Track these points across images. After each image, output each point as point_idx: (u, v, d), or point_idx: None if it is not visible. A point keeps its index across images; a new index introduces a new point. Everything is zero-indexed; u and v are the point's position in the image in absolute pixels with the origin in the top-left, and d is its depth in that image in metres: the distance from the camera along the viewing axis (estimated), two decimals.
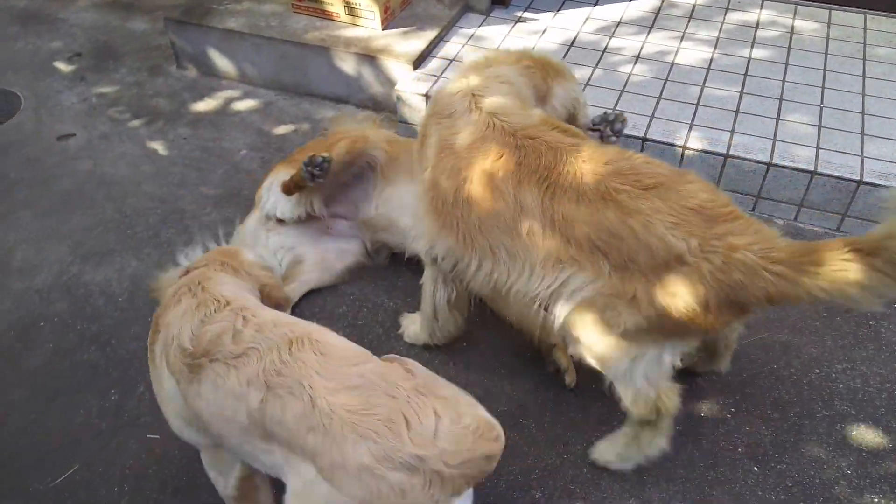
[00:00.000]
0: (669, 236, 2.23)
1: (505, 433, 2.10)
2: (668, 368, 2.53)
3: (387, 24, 4.66)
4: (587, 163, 2.39)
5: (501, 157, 2.50)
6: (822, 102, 4.05)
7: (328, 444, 1.91)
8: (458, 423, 1.97)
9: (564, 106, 2.96)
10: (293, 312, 3.42)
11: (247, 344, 2.14)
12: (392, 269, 3.64)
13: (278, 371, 2.04)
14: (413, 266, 3.56)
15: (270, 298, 2.60)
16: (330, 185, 3.44)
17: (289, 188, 3.39)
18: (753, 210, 3.86)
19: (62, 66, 5.18)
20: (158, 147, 4.44)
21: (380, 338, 3.33)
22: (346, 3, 4.61)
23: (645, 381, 2.51)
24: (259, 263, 2.69)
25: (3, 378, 3.23)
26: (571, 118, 2.98)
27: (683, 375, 3.05)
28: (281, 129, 4.55)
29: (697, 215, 2.26)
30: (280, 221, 3.57)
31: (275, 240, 3.60)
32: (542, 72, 2.90)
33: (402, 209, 3.44)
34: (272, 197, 3.53)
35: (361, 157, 3.46)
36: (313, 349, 2.08)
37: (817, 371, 3.15)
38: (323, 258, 3.58)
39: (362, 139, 3.45)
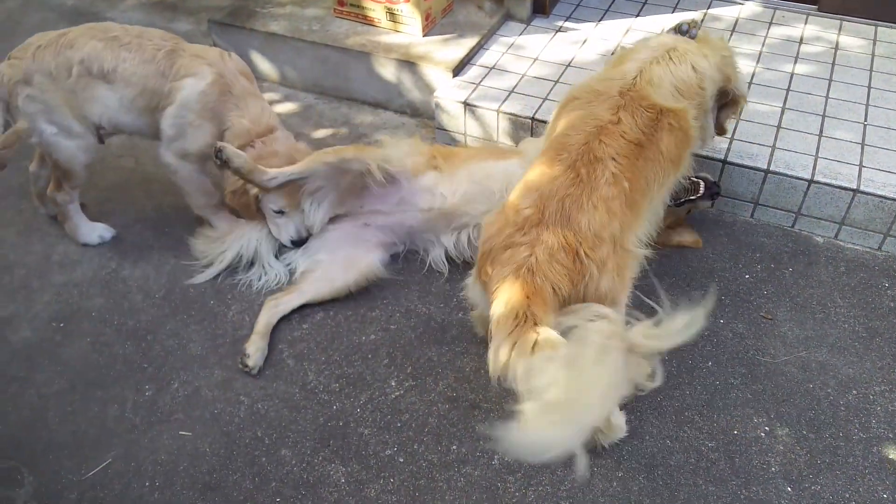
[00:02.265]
0: None
1: None
2: None
3: (427, 30, 4.66)
4: None
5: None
6: (865, 120, 3.99)
7: None
8: None
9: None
10: (308, 316, 3.45)
11: None
12: (425, 274, 3.63)
13: None
14: (448, 273, 3.58)
15: None
16: (336, 191, 3.53)
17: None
18: (793, 226, 3.82)
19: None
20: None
21: (412, 342, 3.33)
22: (388, 9, 4.62)
23: None
24: None
25: (43, 369, 3.27)
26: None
27: (721, 391, 3.04)
28: (320, 133, 4.57)
29: None
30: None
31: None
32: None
33: (489, 175, 3.50)
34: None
35: (354, 161, 3.46)
36: None
37: (854, 392, 3.09)
38: (328, 269, 3.55)
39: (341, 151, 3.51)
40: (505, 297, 2.46)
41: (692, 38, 3.18)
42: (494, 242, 2.60)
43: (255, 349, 3.26)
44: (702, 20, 3.19)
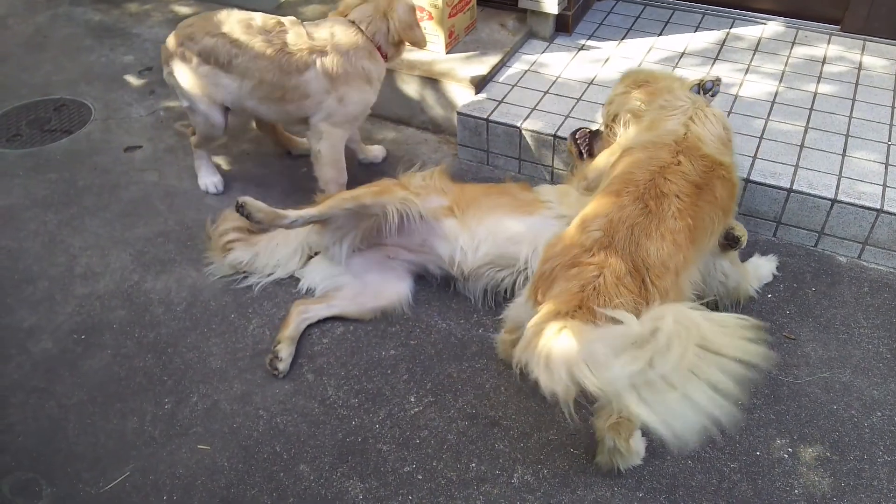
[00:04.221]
0: None
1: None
2: None
3: (451, 47, 4.64)
4: None
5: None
6: (889, 140, 3.93)
7: None
8: None
9: None
10: (328, 331, 3.41)
11: None
12: (445, 290, 3.59)
13: None
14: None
15: None
16: (356, 230, 3.47)
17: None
18: (816, 246, 3.75)
19: (133, 80, 5.24)
20: (221, 161, 4.46)
21: (431, 358, 3.28)
22: None
23: None
24: None
25: (64, 380, 3.25)
26: None
27: (743, 411, 2.98)
28: None
29: None
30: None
31: (325, 268, 3.60)
32: None
33: (512, 238, 3.40)
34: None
35: (374, 206, 3.40)
36: None
37: (879, 414, 3.01)
38: (360, 293, 3.50)
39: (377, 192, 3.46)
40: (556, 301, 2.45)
41: (714, 94, 3.19)
42: (558, 262, 2.56)
43: (287, 353, 3.24)
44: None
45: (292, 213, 3.33)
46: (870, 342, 3.30)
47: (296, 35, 3.66)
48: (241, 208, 3.25)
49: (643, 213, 2.60)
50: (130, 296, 3.62)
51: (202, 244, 3.85)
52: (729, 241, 3.09)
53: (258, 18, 3.71)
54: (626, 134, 3.22)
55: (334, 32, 3.67)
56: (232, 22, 3.69)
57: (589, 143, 3.69)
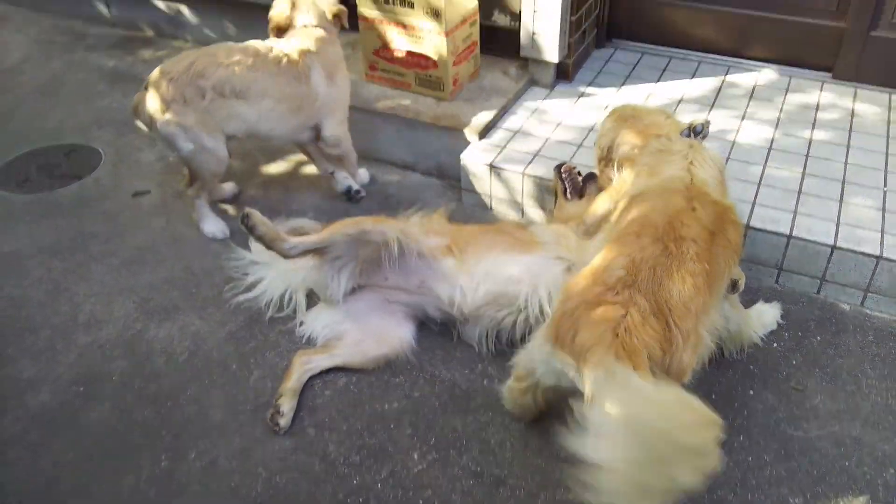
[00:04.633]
0: None
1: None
2: None
3: (455, 95, 4.42)
4: None
5: None
6: (885, 186, 3.68)
7: None
8: None
9: None
10: (330, 382, 3.13)
11: None
12: (448, 338, 3.31)
13: None
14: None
15: None
16: (355, 260, 3.23)
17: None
18: (819, 293, 3.49)
19: (143, 125, 4.99)
20: (228, 207, 4.21)
21: (435, 411, 3.00)
22: (418, 74, 4.39)
23: None
24: None
25: (61, 435, 2.96)
26: None
27: (754, 469, 2.70)
28: None
29: None
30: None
31: (326, 315, 3.33)
32: None
33: (511, 277, 3.17)
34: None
35: (373, 233, 3.18)
36: None
37: (892, 471, 2.73)
38: (361, 340, 3.23)
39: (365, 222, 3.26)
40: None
41: (704, 137, 3.04)
42: (580, 300, 2.38)
43: (289, 407, 2.97)
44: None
45: (293, 239, 3.15)
46: (878, 394, 3.03)
47: (287, 48, 3.74)
48: (245, 219, 3.07)
49: (664, 255, 2.44)
50: (132, 345, 3.34)
51: (207, 291, 3.59)
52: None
53: (251, 44, 3.75)
54: (627, 179, 3.01)
55: (305, 35, 3.81)
56: (234, 51, 3.66)
57: (583, 184, 3.53)
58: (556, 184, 3.62)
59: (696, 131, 3.02)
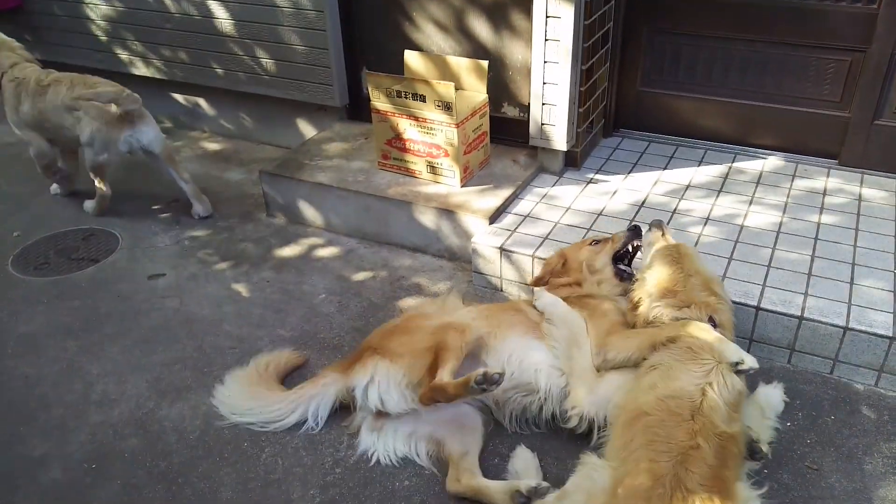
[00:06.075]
0: None
1: None
2: None
3: (465, 181, 4.56)
4: None
5: None
6: (894, 268, 3.74)
7: None
8: None
9: None
10: (334, 459, 3.13)
11: None
12: None
13: None
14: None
15: None
16: None
17: (431, 399, 3.01)
18: (832, 373, 3.50)
19: (160, 210, 5.15)
20: (242, 289, 4.29)
21: (445, 490, 2.99)
22: (429, 163, 4.54)
23: None
24: None
25: None
26: None
27: None
28: (360, 275, 4.39)
29: None
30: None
31: (403, 428, 3.17)
32: None
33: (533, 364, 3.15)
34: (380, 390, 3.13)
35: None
36: None
37: None
38: (457, 426, 3.15)
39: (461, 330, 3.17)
40: None
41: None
42: None
43: None
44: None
45: None
46: (894, 474, 3.01)
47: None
48: None
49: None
50: (144, 423, 3.37)
51: (218, 370, 3.62)
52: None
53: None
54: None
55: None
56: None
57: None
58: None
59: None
